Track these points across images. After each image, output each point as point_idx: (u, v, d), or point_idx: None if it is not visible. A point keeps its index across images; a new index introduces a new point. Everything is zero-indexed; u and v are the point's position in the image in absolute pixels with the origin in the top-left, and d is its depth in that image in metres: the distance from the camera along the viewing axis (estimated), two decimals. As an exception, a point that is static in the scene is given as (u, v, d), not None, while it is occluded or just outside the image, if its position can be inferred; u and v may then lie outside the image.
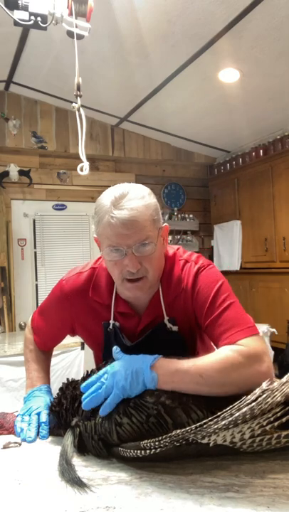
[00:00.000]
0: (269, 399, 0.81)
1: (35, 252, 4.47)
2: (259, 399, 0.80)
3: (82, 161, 1.80)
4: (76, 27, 1.77)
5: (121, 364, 0.98)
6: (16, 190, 4.33)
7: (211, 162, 5.21)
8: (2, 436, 1.09)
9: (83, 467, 0.92)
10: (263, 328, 3.57)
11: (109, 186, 1.13)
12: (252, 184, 4.50)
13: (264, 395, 0.81)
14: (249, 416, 0.81)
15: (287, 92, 3.57)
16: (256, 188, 4.43)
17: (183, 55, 3.16)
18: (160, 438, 0.85)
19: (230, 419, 0.80)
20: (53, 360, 1.48)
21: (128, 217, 1.01)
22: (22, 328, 4.20)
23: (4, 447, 1.03)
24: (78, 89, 1.79)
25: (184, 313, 1.15)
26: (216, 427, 0.81)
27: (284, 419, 0.83)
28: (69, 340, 2.73)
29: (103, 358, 1.19)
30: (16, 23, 1.72)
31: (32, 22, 1.71)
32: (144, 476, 0.87)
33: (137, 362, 0.98)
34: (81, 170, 1.80)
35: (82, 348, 2.89)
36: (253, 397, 0.81)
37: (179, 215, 5.11)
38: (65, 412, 1.03)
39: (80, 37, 1.82)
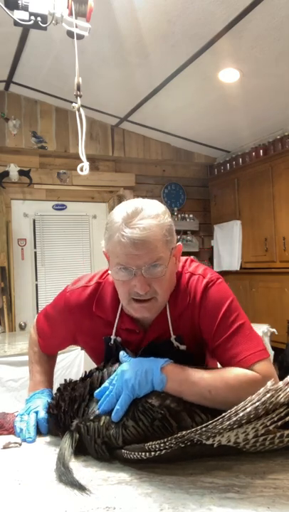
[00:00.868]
0: (273, 399, 0.81)
1: (35, 252, 4.47)
2: (264, 398, 0.80)
3: (82, 161, 1.80)
4: (76, 27, 1.77)
5: (130, 364, 0.98)
6: (16, 190, 4.33)
7: (211, 162, 5.21)
8: (2, 436, 1.09)
9: (83, 467, 0.92)
10: (263, 328, 3.57)
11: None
12: (252, 184, 4.49)
13: (268, 395, 0.81)
14: (254, 416, 0.81)
15: (287, 92, 3.57)
16: (256, 188, 4.43)
17: (183, 55, 3.16)
18: (165, 440, 0.85)
19: (234, 418, 0.80)
20: (53, 360, 1.47)
21: (139, 236, 0.96)
22: (22, 328, 4.20)
23: (4, 447, 1.03)
24: (78, 89, 1.79)
25: (190, 327, 1.11)
26: (220, 427, 0.81)
27: (287, 419, 0.83)
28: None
29: None
30: (16, 23, 1.71)
31: (32, 22, 1.70)
32: (144, 476, 0.87)
33: (147, 362, 0.98)
34: (81, 170, 1.80)
35: (82, 348, 2.89)
36: (258, 397, 0.81)
37: (179, 215, 5.10)
38: (64, 415, 1.02)
39: (80, 37, 1.82)
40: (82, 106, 1.79)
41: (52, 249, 4.51)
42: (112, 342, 1.14)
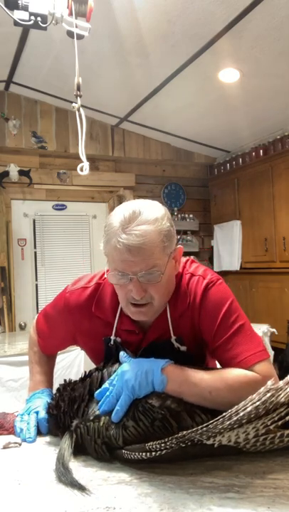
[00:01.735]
0: (274, 398, 0.81)
1: (35, 252, 4.47)
2: (264, 398, 0.80)
3: (82, 161, 1.80)
4: (76, 27, 1.77)
5: (131, 365, 0.98)
6: (16, 190, 4.32)
7: (211, 162, 5.21)
8: (2, 436, 1.09)
9: (83, 467, 0.92)
10: (263, 328, 3.57)
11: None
12: (252, 184, 4.49)
13: (269, 394, 0.81)
14: (254, 416, 0.81)
15: (287, 92, 3.57)
16: (256, 188, 4.43)
17: (183, 55, 3.16)
18: (166, 440, 0.85)
19: (235, 418, 0.80)
20: (53, 360, 1.47)
21: (135, 243, 0.95)
22: (22, 328, 4.20)
23: (4, 447, 1.03)
24: (78, 89, 1.79)
25: (191, 328, 1.11)
26: (221, 426, 0.81)
27: (288, 418, 0.83)
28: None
29: None
30: (16, 23, 1.71)
31: (32, 22, 1.70)
32: (144, 476, 0.87)
33: (147, 363, 0.98)
34: (81, 170, 1.80)
35: (82, 348, 2.89)
36: (259, 397, 0.81)
37: (179, 215, 5.10)
38: (63, 415, 1.02)
39: (80, 37, 1.82)
40: (82, 106, 1.79)
41: (52, 249, 4.51)
42: (111, 342, 1.13)
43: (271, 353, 3.37)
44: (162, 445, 0.85)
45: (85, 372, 1.10)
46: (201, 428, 0.82)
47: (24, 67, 3.60)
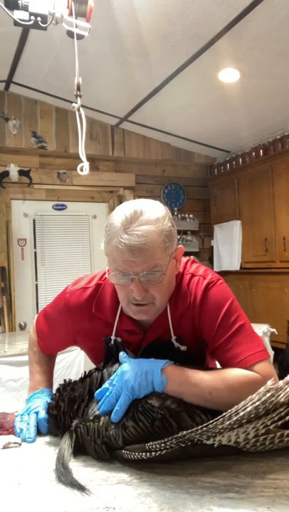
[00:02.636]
0: (273, 398, 0.81)
1: (35, 252, 4.47)
2: (264, 398, 0.80)
3: (82, 161, 1.80)
4: (76, 27, 1.77)
5: (130, 365, 0.98)
6: (16, 190, 4.32)
7: (211, 162, 5.21)
8: (2, 436, 1.09)
9: (82, 467, 0.92)
10: (263, 328, 3.57)
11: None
12: (252, 184, 4.49)
13: (269, 394, 0.81)
14: (254, 416, 0.81)
15: (287, 92, 3.57)
16: (256, 188, 4.43)
17: (183, 55, 3.16)
18: (166, 439, 0.85)
19: (235, 418, 0.80)
20: (53, 360, 1.47)
21: (137, 244, 0.95)
22: (22, 328, 4.20)
23: (4, 447, 1.03)
24: (78, 89, 1.79)
25: (191, 328, 1.11)
26: (221, 426, 0.81)
27: (288, 418, 0.83)
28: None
29: None
30: (16, 23, 1.71)
31: (32, 22, 1.70)
32: (144, 476, 0.87)
33: (147, 363, 0.98)
34: (81, 170, 1.80)
35: (82, 349, 2.89)
36: (259, 397, 0.81)
37: (179, 215, 5.10)
38: (63, 416, 1.02)
39: (80, 37, 1.82)
40: (82, 106, 1.79)
41: (52, 249, 4.51)
42: (112, 343, 1.13)
43: (271, 353, 3.37)
44: (162, 445, 0.85)
45: (85, 372, 1.10)
46: (201, 428, 0.82)
47: (24, 67, 3.60)
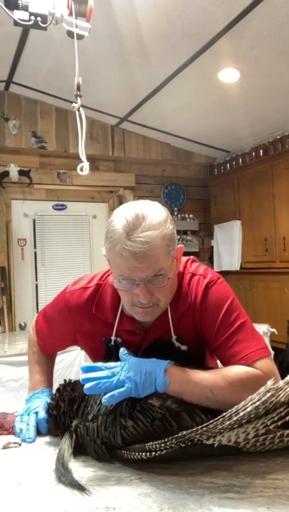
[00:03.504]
0: (274, 398, 0.81)
1: (35, 252, 4.47)
2: (264, 398, 0.80)
3: (82, 161, 1.80)
4: (76, 27, 1.77)
5: (134, 363, 0.97)
6: (16, 190, 4.32)
7: (211, 162, 5.21)
8: (2, 436, 1.09)
9: (82, 467, 0.92)
10: (263, 328, 3.57)
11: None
12: (252, 184, 4.49)
13: (269, 394, 0.81)
14: (254, 416, 0.81)
15: (287, 92, 3.57)
16: (256, 188, 4.43)
17: (183, 55, 3.16)
18: (166, 439, 0.85)
19: (235, 418, 0.80)
20: (53, 360, 1.47)
21: (142, 250, 0.94)
22: (22, 328, 4.20)
23: (4, 447, 1.03)
24: (78, 89, 1.79)
25: (192, 328, 1.11)
26: (221, 426, 0.81)
27: (288, 418, 0.83)
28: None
29: None
30: (16, 23, 1.71)
31: (32, 22, 1.70)
32: (143, 476, 0.87)
33: (150, 364, 0.97)
34: (81, 170, 1.80)
35: (82, 348, 2.89)
36: (259, 397, 0.81)
37: (179, 215, 5.10)
38: (63, 416, 1.02)
39: (80, 37, 1.82)
40: (82, 106, 1.79)
41: (52, 249, 4.51)
42: (112, 343, 1.14)
43: (271, 352, 3.37)
44: (162, 445, 0.85)
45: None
46: (201, 428, 0.82)
47: (24, 67, 3.60)
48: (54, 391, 1.16)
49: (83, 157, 1.80)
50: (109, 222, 1.02)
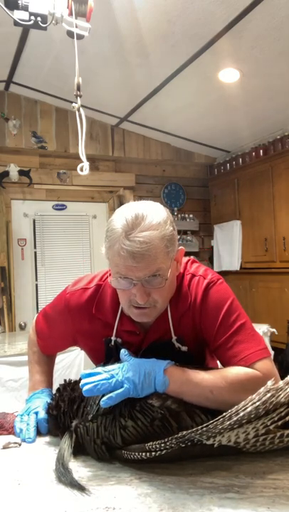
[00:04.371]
0: (274, 398, 0.81)
1: (35, 252, 4.47)
2: (264, 398, 0.80)
3: (82, 161, 1.80)
4: (76, 27, 1.77)
5: (133, 364, 0.97)
6: (16, 190, 4.32)
7: (211, 162, 5.21)
8: (2, 436, 1.09)
9: (82, 467, 0.92)
10: (263, 328, 3.57)
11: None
12: (252, 184, 4.49)
13: (269, 394, 0.81)
14: (254, 416, 0.81)
15: (287, 92, 3.57)
16: (256, 188, 4.43)
17: (183, 55, 3.16)
18: (166, 440, 0.85)
19: (235, 418, 0.80)
20: (53, 360, 1.47)
21: (140, 250, 0.94)
22: (22, 328, 4.20)
23: (4, 447, 1.03)
24: (78, 89, 1.79)
25: (192, 329, 1.11)
26: (221, 427, 0.81)
27: (288, 418, 0.83)
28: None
29: None
30: (16, 23, 1.71)
31: (32, 22, 1.70)
32: (143, 476, 0.87)
33: (149, 364, 0.97)
34: (81, 170, 1.80)
35: (82, 349, 2.89)
36: (259, 397, 0.81)
37: (179, 215, 5.10)
38: (63, 416, 1.02)
39: (80, 37, 1.82)
40: (82, 106, 1.79)
41: (52, 249, 4.51)
42: (112, 343, 1.14)
43: (271, 352, 3.37)
44: (162, 445, 0.85)
45: (85, 372, 1.10)
46: (201, 428, 0.82)
47: (24, 67, 3.60)
48: (54, 391, 1.16)
49: (83, 157, 1.80)
50: (109, 221, 1.02)
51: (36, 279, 4.45)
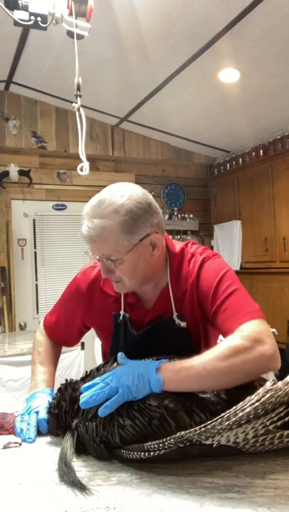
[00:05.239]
0: (272, 399, 0.81)
1: (35, 252, 4.47)
2: (263, 399, 0.80)
3: (82, 161, 1.81)
4: (76, 27, 1.77)
5: (126, 368, 0.99)
6: (16, 190, 4.32)
7: (211, 162, 5.21)
8: (2, 436, 1.09)
9: (83, 467, 0.92)
10: (263, 328, 3.56)
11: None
12: (252, 184, 4.49)
13: (268, 395, 0.81)
14: (253, 416, 0.81)
15: (287, 92, 3.57)
16: (256, 188, 4.43)
17: (183, 55, 3.16)
18: (164, 439, 0.85)
19: (234, 419, 0.80)
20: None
21: (90, 235, 1.04)
22: (22, 328, 4.20)
23: (4, 447, 1.03)
24: (78, 89, 1.79)
25: (190, 308, 1.16)
26: (220, 427, 0.81)
27: (287, 419, 0.83)
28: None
29: (111, 347, 1.23)
30: (16, 23, 1.72)
31: (32, 22, 1.71)
32: (144, 476, 0.87)
33: (142, 365, 0.98)
34: (81, 170, 1.81)
35: (82, 348, 2.89)
36: (257, 397, 0.81)
37: (179, 215, 5.10)
38: (64, 415, 1.02)
39: (80, 37, 1.82)
40: (82, 106, 1.79)
41: (52, 249, 4.51)
42: (120, 318, 1.19)
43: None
44: (160, 445, 0.85)
45: (86, 371, 1.10)
46: (200, 428, 0.81)
47: (24, 67, 3.60)
48: (55, 391, 1.16)
49: (83, 157, 1.80)
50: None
51: (36, 279, 4.45)
